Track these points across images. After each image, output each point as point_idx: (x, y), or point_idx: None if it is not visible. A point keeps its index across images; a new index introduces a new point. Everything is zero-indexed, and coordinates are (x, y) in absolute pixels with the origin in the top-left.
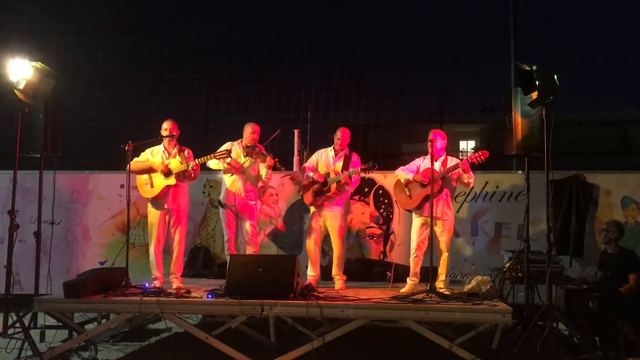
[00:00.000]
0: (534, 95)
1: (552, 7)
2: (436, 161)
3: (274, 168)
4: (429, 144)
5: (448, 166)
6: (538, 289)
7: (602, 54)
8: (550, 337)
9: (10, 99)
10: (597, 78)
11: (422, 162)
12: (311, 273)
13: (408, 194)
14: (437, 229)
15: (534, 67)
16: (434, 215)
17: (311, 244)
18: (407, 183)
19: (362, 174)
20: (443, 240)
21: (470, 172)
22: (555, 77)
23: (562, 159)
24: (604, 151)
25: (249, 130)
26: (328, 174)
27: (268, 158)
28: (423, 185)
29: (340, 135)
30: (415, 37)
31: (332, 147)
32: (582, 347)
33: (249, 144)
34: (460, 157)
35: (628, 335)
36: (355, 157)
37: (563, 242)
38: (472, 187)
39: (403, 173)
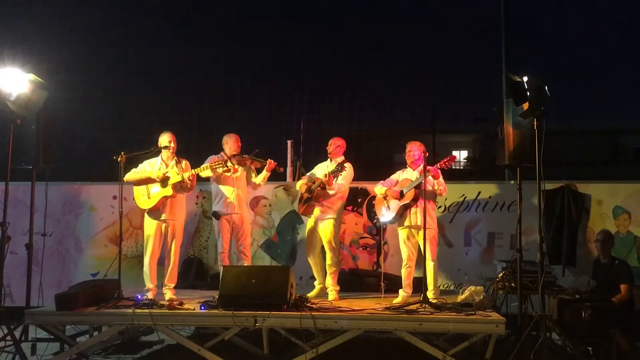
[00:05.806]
0: (525, 106)
1: (544, 19)
2: (414, 171)
3: (274, 171)
4: (406, 155)
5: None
6: (531, 299)
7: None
8: (544, 347)
9: (2, 111)
10: (588, 88)
11: (402, 174)
12: (316, 282)
13: (387, 205)
14: (420, 239)
15: (525, 79)
16: (414, 224)
17: (309, 257)
18: (385, 196)
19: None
20: (427, 249)
21: (440, 179)
22: (546, 88)
23: (554, 169)
24: (595, 161)
25: (233, 140)
26: (314, 181)
27: (269, 161)
28: (400, 196)
29: (331, 143)
30: (409, 48)
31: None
32: (575, 357)
33: (236, 154)
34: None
35: (620, 344)
36: (345, 165)
37: (555, 252)
38: (465, 197)
39: (380, 187)
